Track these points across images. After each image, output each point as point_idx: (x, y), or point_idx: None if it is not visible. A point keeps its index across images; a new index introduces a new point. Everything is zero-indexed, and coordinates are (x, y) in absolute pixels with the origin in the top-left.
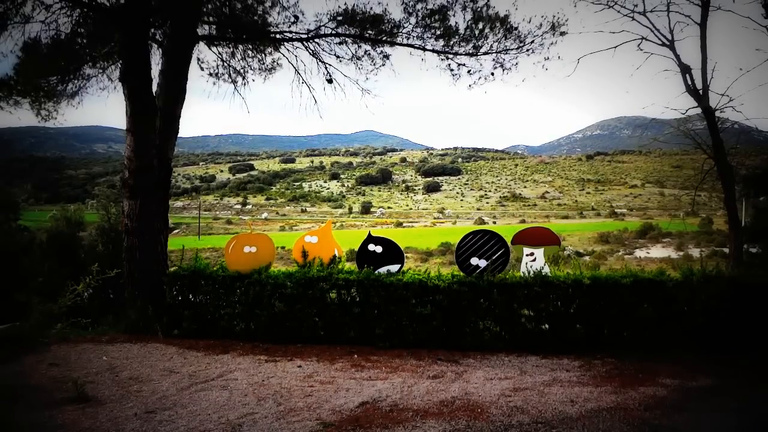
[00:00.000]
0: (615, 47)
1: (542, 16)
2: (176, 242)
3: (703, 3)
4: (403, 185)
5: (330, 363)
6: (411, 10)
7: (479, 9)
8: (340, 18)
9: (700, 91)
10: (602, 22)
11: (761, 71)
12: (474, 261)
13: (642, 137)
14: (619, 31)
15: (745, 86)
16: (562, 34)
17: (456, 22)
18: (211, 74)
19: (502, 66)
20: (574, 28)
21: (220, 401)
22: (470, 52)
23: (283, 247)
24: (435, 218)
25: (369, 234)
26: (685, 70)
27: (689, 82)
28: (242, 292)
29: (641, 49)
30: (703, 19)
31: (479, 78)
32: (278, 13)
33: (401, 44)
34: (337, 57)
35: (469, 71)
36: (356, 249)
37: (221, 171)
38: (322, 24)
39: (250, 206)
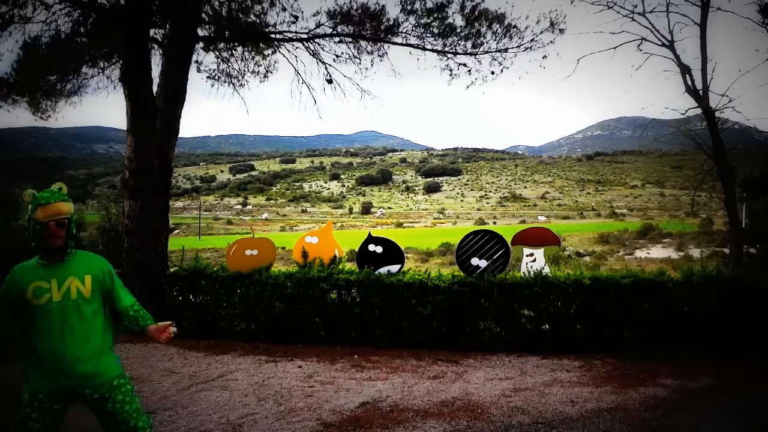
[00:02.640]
0: (615, 48)
1: (540, 13)
2: (177, 242)
3: (703, 3)
4: (404, 185)
5: (330, 363)
6: (409, 8)
7: (477, 7)
8: (338, 18)
9: (700, 92)
10: (602, 23)
11: (761, 71)
12: (474, 261)
13: (642, 137)
14: (618, 32)
15: (744, 87)
16: (561, 31)
17: (454, 21)
18: (209, 76)
19: (501, 64)
20: (574, 28)
21: (221, 401)
22: (469, 51)
23: (283, 248)
24: (435, 218)
25: (369, 234)
26: (684, 70)
27: (689, 83)
28: (243, 293)
29: (641, 50)
30: (703, 20)
31: (478, 77)
32: (277, 13)
33: (400, 44)
34: (337, 57)
35: (469, 71)
36: (356, 249)
37: (221, 171)
38: (320, 24)
39: (250, 206)
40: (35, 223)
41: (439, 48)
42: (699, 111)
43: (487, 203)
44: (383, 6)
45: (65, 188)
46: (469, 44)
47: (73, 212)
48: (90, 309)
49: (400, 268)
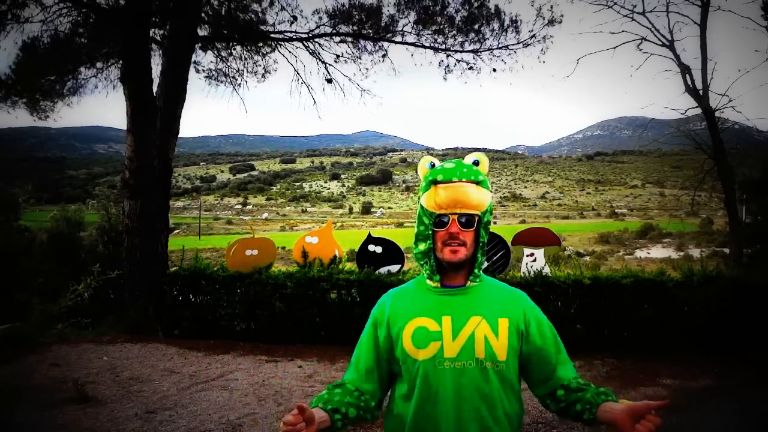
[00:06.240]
0: (615, 47)
1: (537, 9)
2: (177, 242)
3: (703, 3)
4: (404, 185)
5: (330, 363)
6: (408, 6)
7: (474, 4)
8: (338, 17)
9: (700, 92)
10: (602, 23)
11: (761, 71)
12: None
13: (642, 137)
14: (618, 32)
15: (744, 87)
16: (559, 22)
17: (453, 18)
18: (207, 76)
19: (498, 57)
20: (574, 28)
21: (221, 401)
22: (468, 48)
23: (283, 248)
24: None
25: (369, 234)
26: (684, 70)
27: (689, 83)
28: (243, 293)
29: (641, 50)
30: (703, 20)
31: (477, 75)
32: (276, 13)
33: (400, 42)
34: (337, 57)
35: (470, 67)
36: (356, 249)
37: (222, 171)
38: (320, 23)
39: (250, 206)
40: (424, 212)
41: (438, 45)
42: (699, 111)
43: None
44: (382, 4)
45: (484, 163)
46: (467, 42)
47: (490, 206)
48: (501, 378)
49: (401, 268)
